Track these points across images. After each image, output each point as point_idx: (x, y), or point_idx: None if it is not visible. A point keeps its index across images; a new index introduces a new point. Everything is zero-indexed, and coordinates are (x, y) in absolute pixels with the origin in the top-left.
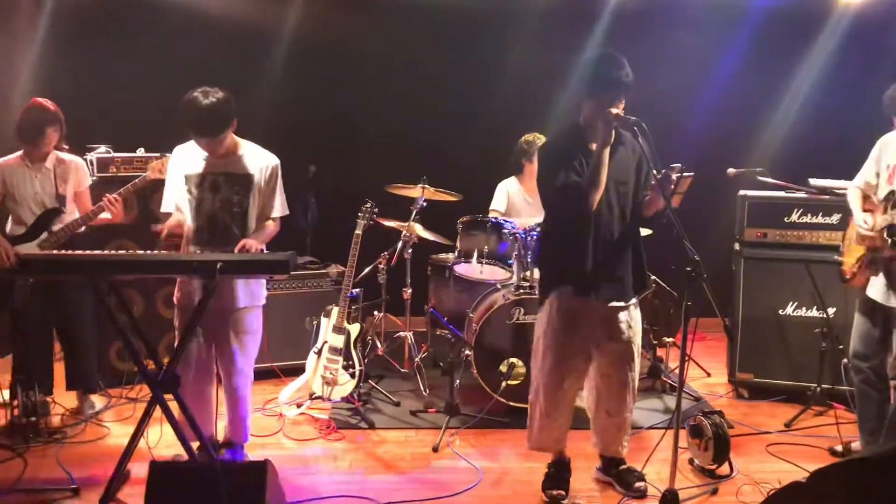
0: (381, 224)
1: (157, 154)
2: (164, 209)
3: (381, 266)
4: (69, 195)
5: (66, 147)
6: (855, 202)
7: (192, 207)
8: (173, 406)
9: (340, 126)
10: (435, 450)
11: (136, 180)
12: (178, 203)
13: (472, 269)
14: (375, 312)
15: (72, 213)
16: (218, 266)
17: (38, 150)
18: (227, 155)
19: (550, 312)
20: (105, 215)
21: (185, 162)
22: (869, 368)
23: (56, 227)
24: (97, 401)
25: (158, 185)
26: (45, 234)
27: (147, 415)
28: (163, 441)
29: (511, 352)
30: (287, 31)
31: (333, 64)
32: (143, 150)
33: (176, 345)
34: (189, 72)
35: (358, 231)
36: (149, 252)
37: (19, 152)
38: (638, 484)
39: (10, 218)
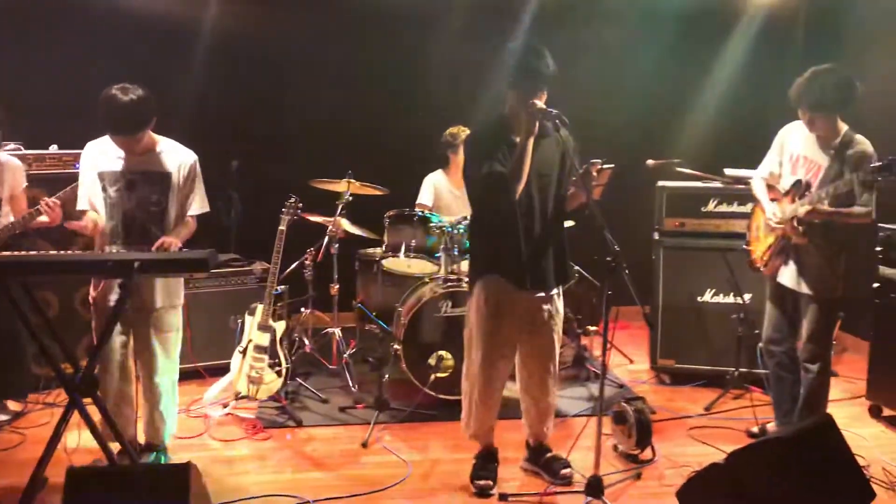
0: (307, 219)
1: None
2: (79, 207)
3: (308, 262)
4: (4, 196)
5: (5, 147)
6: (762, 193)
7: (108, 206)
8: (92, 410)
9: (264, 121)
10: (364, 445)
11: (75, 184)
12: (91, 200)
13: (400, 264)
14: (302, 309)
15: (7, 216)
16: (135, 265)
17: None
18: (145, 153)
19: (478, 301)
20: (42, 218)
21: (99, 159)
22: (782, 353)
23: None
24: (11, 406)
25: (60, 180)
26: None
27: (64, 419)
28: (82, 446)
29: (440, 345)
30: (208, 24)
31: (257, 58)
32: (55, 146)
33: (94, 346)
34: (105, 66)
35: (282, 227)
36: (63, 252)
37: None
38: (564, 471)
39: None
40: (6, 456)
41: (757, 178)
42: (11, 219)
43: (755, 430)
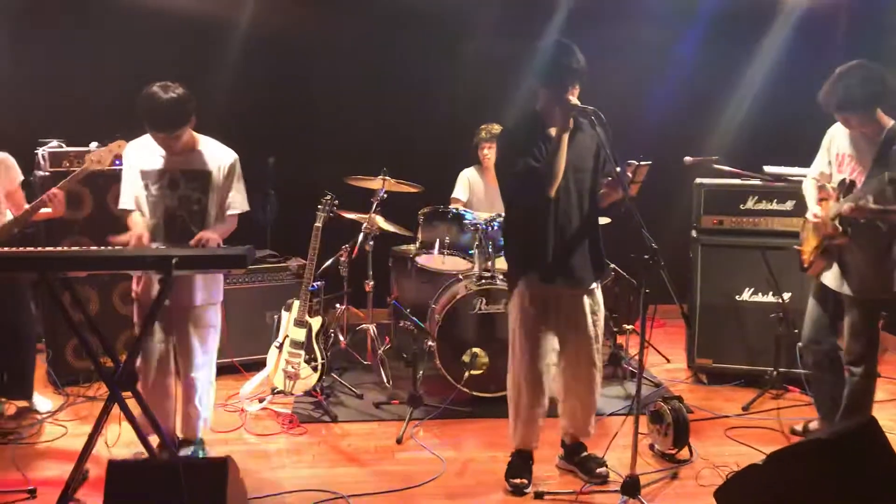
0: (342, 216)
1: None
2: (122, 206)
3: (343, 259)
4: (1, 195)
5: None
6: (810, 193)
7: (150, 204)
8: (132, 403)
9: (300, 118)
10: (399, 441)
11: (76, 172)
12: (137, 199)
13: (434, 260)
14: (337, 305)
15: (3, 214)
16: (173, 261)
17: None
18: (185, 151)
19: (522, 303)
20: (46, 210)
21: (142, 158)
22: (822, 353)
23: None
24: (45, 399)
25: (102, 177)
26: None
27: (105, 413)
28: (121, 440)
29: (474, 342)
30: (244, 21)
31: (292, 55)
32: (96, 143)
33: (135, 341)
34: (144, 63)
35: (318, 224)
36: (102, 248)
37: None
38: (599, 470)
39: None
40: (48, 448)
41: (808, 179)
42: (10, 216)
43: (798, 427)
